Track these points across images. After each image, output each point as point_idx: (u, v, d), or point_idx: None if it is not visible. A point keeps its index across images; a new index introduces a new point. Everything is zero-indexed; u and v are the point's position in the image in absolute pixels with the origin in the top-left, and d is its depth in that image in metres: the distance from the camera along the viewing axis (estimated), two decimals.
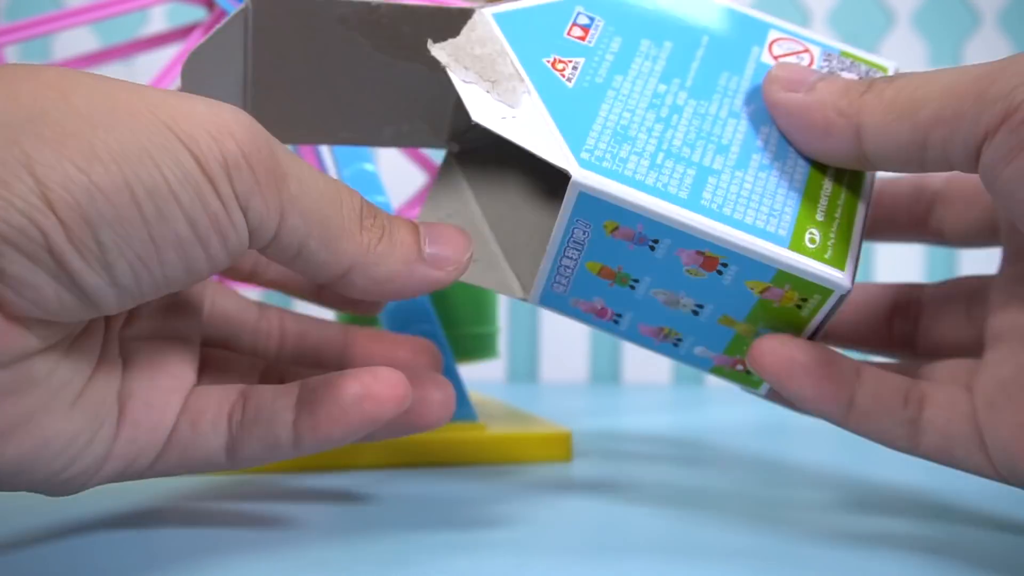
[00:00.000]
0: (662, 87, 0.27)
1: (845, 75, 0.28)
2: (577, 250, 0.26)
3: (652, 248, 0.26)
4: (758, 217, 0.25)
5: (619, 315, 0.28)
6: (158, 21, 0.71)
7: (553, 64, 0.27)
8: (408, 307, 0.39)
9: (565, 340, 0.79)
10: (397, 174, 0.64)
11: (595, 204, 0.25)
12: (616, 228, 0.25)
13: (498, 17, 0.28)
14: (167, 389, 0.26)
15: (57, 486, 0.23)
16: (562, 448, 0.39)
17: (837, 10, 0.77)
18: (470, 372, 0.44)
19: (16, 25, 0.38)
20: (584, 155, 0.25)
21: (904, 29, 0.77)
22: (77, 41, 0.71)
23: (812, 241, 0.25)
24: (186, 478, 0.34)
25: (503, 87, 0.26)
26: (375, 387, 0.25)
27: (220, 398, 0.26)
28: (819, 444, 0.45)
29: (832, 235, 0.26)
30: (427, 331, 0.39)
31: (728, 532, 0.29)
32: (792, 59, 0.29)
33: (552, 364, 0.79)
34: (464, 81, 0.27)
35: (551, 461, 0.39)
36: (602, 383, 0.79)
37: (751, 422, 0.53)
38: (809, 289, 0.25)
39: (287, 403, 0.25)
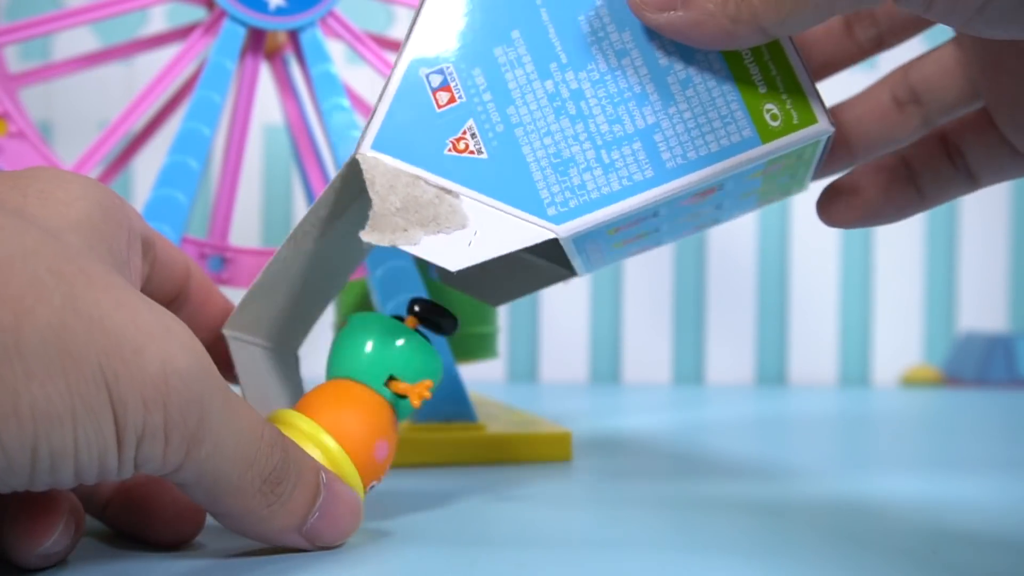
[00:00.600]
0: (549, 84, 0.26)
1: None
2: (595, 244, 0.27)
3: (655, 215, 0.27)
4: (718, 136, 0.25)
5: (654, 230, 0.29)
6: (158, 21, 0.71)
7: (455, 148, 0.26)
8: None
9: (565, 340, 0.79)
10: None
11: (588, 234, 0.26)
12: (616, 229, 0.26)
13: (377, 146, 0.26)
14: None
15: None
16: (562, 448, 0.39)
17: None
18: (470, 372, 0.44)
19: (16, 25, 0.38)
20: (551, 211, 0.25)
21: None
22: (77, 41, 0.71)
23: (774, 118, 0.25)
24: None
25: (442, 216, 0.25)
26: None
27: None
28: (819, 443, 0.45)
29: (784, 97, 0.26)
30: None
31: (728, 531, 0.29)
32: None
33: (552, 364, 0.79)
34: (414, 245, 0.25)
35: (551, 461, 0.39)
36: (602, 383, 0.79)
37: (750, 422, 0.53)
38: (799, 152, 0.26)
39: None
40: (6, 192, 0.22)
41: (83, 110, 0.70)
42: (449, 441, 0.38)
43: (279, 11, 0.39)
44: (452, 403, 0.39)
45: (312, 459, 0.25)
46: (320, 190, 0.49)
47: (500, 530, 0.29)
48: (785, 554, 0.26)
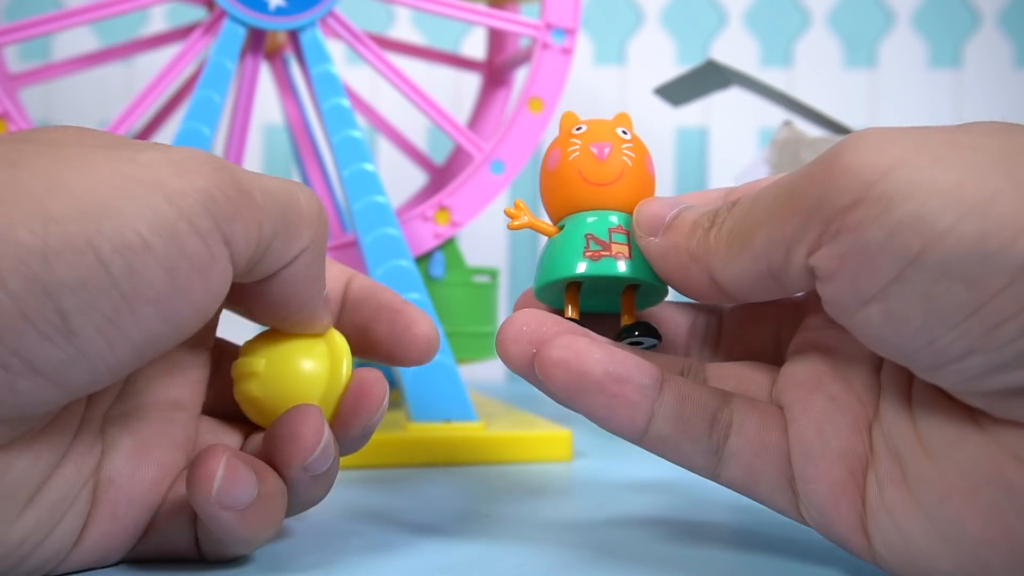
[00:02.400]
0: None
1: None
2: None
3: None
4: None
5: None
6: (158, 21, 0.71)
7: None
8: None
9: None
10: (397, 174, 0.64)
11: None
12: None
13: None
14: (152, 481, 0.24)
15: None
16: (562, 448, 0.39)
17: (837, 10, 0.77)
18: (470, 372, 0.44)
19: (16, 25, 0.38)
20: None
21: (904, 29, 0.77)
22: (77, 41, 0.71)
23: None
24: None
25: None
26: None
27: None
28: None
29: None
30: None
31: (728, 531, 0.29)
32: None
33: None
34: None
35: (551, 461, 0.39)
36: None
37: None
38: None
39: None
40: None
41: (83, 110, 0.70)
42: (449, 441, 0.38)
43: (279, 11, 0.39)
44: (452, 403, 0.39)
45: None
46: (320, 190, 0.49)
47: (500, 530, 0.29)
48: (785, 553, 0.26)
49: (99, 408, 0.23)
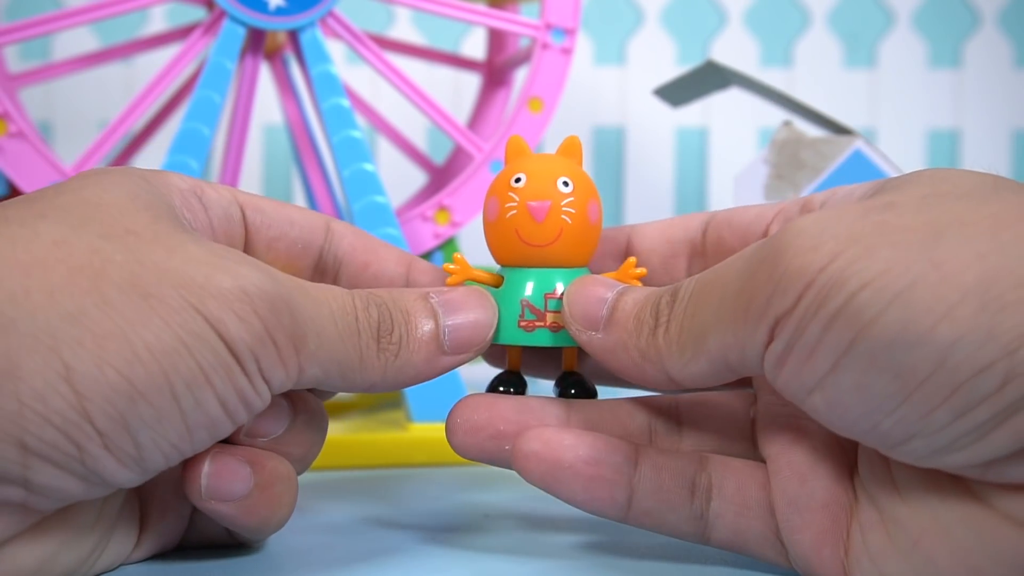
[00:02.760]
0: None
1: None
2: None
3: None
4: None
5: None
6: (158, 21, 0.71)
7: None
8: None
9: None
10: (397, 174, 0.64)
11: None
12: None
13: None
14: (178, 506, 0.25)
15: None
16: None
17: (837, 10, 0.77)
18: (470, 372, 0.44)
19: (16, 25, 0.38)
20: None
21: (904, 29, 0.77)
22: (77, 41, 0.71)
23: None
24: None
25: None
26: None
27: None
28: None
29: None
30: None
31: None
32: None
33: None
34: None
35: None
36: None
37: None
38: None
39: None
40: (51, 193, 0.23)
41: (83, 110, 0.70)
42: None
43: (279, 11, 0.39)
44: (451, 403, 0.39)
45: (413, 290, 0.26)
46: (320, 190, 0.49)
47: (500, 530, 0.29)
48: None
49: None
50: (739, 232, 0.28)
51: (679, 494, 0.25)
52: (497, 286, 0.27)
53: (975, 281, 0.19)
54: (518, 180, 0.26)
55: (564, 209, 0.25)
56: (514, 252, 0.26)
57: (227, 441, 0.24)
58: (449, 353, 0.25)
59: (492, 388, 0.27)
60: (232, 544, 0.26)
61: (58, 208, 0.22)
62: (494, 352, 0.28)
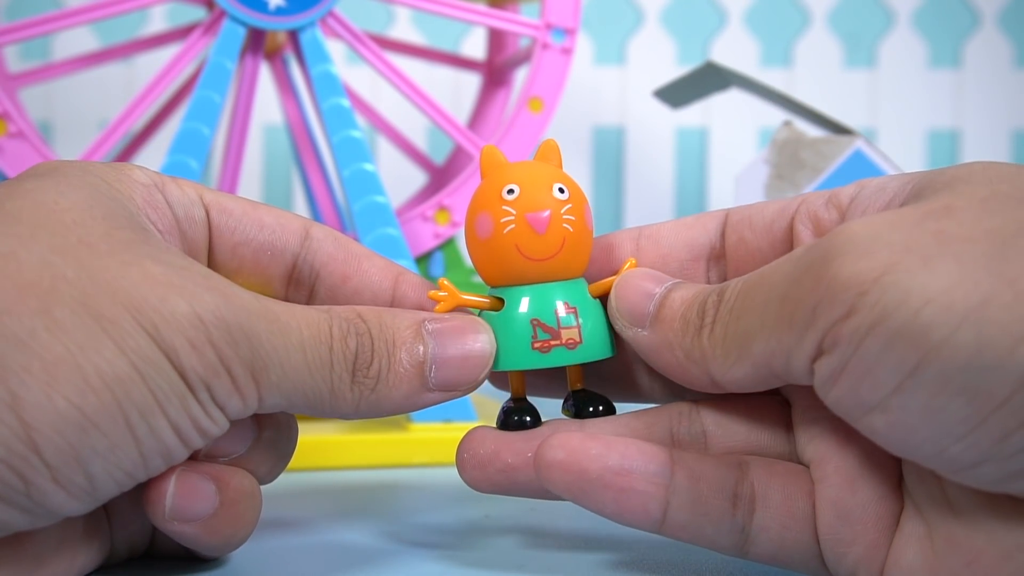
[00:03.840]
0: None
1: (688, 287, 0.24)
2: None
3: None
4: None
5: None
6: (158, 21, 0.71)
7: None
8: None
9: None
10: (397, 174, 0.64)
11: None
12: None
13: None
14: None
15: None
16: None
17: (837, 10, 0.77)
18: None
19: (16, 25, 0.38)
20: None
21: (904, 29, 0.77)
22: (77, 41, 0.71)
23: None
24: None
25: None
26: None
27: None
28: None
29: None
30: None
31: None
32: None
33: None
34: None
35: None
36: None
37: None
38: None
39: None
40: (3, 195, 0.22)
41: (83, 110, 0.70)
42: (449, 441, 0.38)
43: (279, 11, 0.39)
44: (452, 403, 0.39)
45: (409, 315, 0.24)
46: (320, 190, 0.49)
47: (501, 530, 0.29)
48: None
49: None
50: (761, 231, 0.26)
51: (719, 505, 0.23)
52: (494, 310, 0.25)
53: None
54: (511, 192, 0.24)
55: (565, 218, 0.24)
56: (513, 269, 0.24)
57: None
58: (434, 390, 0.24)
59: (505, 423, 0.25)
60: (194, 558, 0.25)
61: (8, 215, 0.21)
62: (498, 377, 0.27)
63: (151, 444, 0.20)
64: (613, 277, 0.25)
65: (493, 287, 0.25)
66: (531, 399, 0.26)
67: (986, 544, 0.20)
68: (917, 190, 0.22)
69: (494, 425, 0.26)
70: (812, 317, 0.19)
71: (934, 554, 0.21)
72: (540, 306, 0.24)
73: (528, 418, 0.25)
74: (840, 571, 0.22)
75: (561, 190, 0.24)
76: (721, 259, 0.27)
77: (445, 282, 0.25)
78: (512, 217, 0.24)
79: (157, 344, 0.20)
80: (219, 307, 0.21)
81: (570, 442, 0.23)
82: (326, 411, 0.23)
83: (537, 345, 0.24)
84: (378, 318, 0.24)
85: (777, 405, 0.25)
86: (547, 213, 0.24)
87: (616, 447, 0.23)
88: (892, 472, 0.22)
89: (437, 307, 0.25)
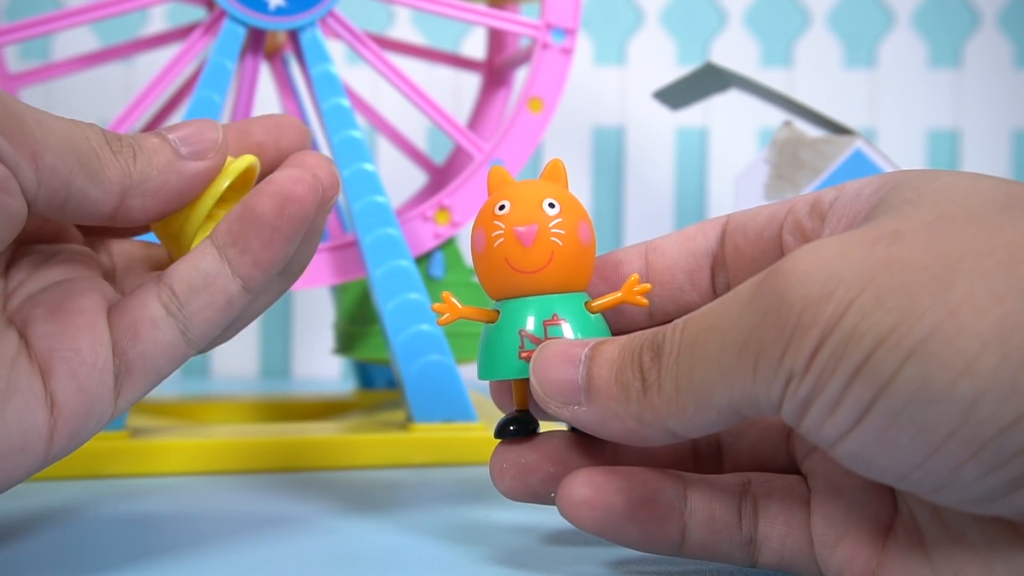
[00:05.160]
0: None
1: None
2: None
3: None
4: None
5: None
6: (158, 21, 0.71)
7: None
8: (409, 307, 0.39)
9: None
10: (397, 174, 0.64)
11: None
12: None
13: None
14: (87, 326, 0.24)
15: (4, 479, 0.23)
16: None
17: (837, 10, 0.77)
18: (470, 372, 0.44)
19: (16, 25, 0.38)
20: None
21: (904, 29, 0.77)
22: (77, 41, 0.71)
23: None
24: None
25: None
26: (293, 189, 0.24)
27: (144, 298, 0.25)
28: None
29: None
30: (428, 331, 0.39)
31: None
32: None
33: None
34: None
35: None
36: None
37: None
38: None
39: (213, 257, 0.25)
40: None
41: (83, 110, 0.70)
42: (449, 441, 0.38)
43: (279, 11, 0.39)
44: (452, 403, 0.39)
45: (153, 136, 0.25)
46: None
47: (501, 529, 0.29)
48: None
49: None
50: (752, 239, 0.26)
51: (730, 522, 0.24)
52: (491, 322, 0.26)
53: (993, 329, 0.18)
54: (502, 208, 0.25)
55: (553, 231, 0.24)
56: (507, 282, 0.25)
57: None
58: (188, 158, 0.25)
59: (500, 430, 0.26)
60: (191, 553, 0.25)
61: None
62: (501, 390, 0.27)
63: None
64: (615, 293, 0.25)
65: (496, 300, 0.26)
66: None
67: (970, 555, 0.20)
68: (877, 206, 0.22)
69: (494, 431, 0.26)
70: (778, 365, 0.20)
71: (928, 563, 0.21)
72: (528, 317, 0.25)
73: (518, 427, 0.26)
74: (828, 572, 0.23)
75: (551, 205, 0.25)
76: (723, 267, 0.27)
77: (447, 294, 0.26)
78: (501, 231, 0.25)
79: None
80: None
81: (594, 478, 0.24)
82: (104, 182, 0.24)
83: (524, 355, 0.25)
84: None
85: (780, 423, 0.26)
86: (533, 227, 0.24)
87: (636, 477, 0.24)
88: (883, 485, 0.23)
89: (440, 319, 0.25)
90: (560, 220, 0.25)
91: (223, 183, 0.26)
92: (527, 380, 0.25)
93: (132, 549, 0.27)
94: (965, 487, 0.19)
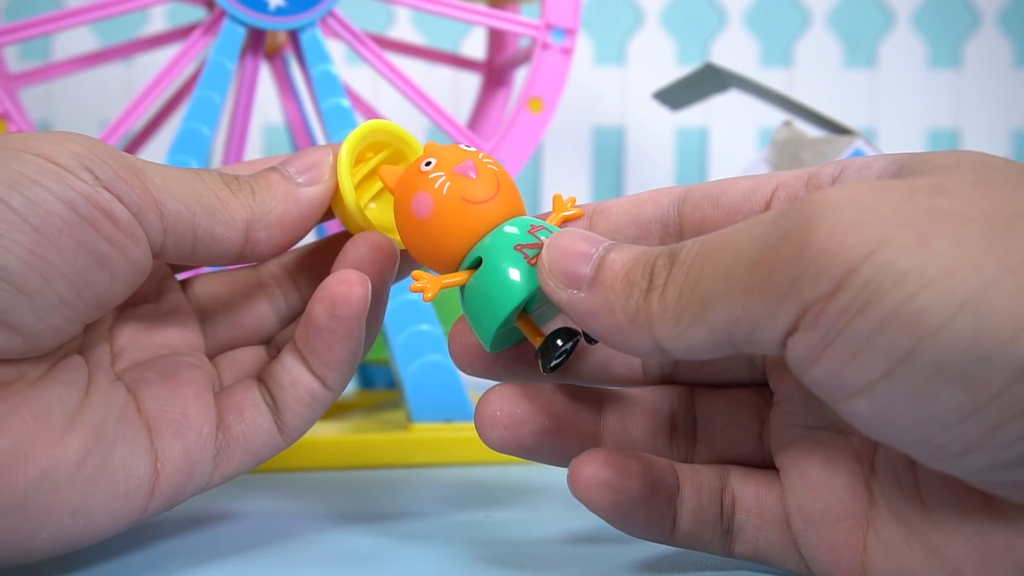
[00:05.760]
0: None
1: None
2: None
3: None
4: None
5: None
6: (158, 21, 0.71)
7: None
8: (409, 307, 0.39)
9: None
10: None
11: None
12: None
13: None
14: (195, 395, 0.26)
15: (107, 516, 0.23)
16: None
17: (837, 10, 0.77)
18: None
19: (16, 25, 0.38)
20: None
21: (904, 29, 0.77)
22: (77, 41, 0.71)
23: None
24: None
25: None
26: (338, 291, 0.25)
27: (248, 383, 0.27)
28: None
29: None
30: (428, 331, 0.39)
31: None
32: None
33: None
34: None
35: None
36: None
37: None
38: None
39: (296, 358, 0.26)
40: None
41: (83, 110, 0.70)
42: (449, 441, 0.38)
43: (279, 11, 0.39)
44: (452, 403, 0.39)
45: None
46: None
47: (500, 530, 0.29)
48: None
49: (101, 364, 0.26)
50: (728, 209, 0.25)
51: (713, 512, 0.24)
52: (471, 276, 0.24)
53: None
54: (428, 163, 0.25)
55: (484, 161, 0.25)
56: (468, 223, 0.24)
57: None
58: (304, 184, 0.26)
59: (548, 349, 0.24)
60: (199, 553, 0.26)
61: None
62: (502, 343, 0.26)
63: (35, 212, 0.21)
64: (551, 213, 0.26)
65: (458, 264, 0.25)
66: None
67: (966, 552, 0.20)
68: (900, 168, 0.21)
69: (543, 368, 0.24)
70: (791, 289, 0.18)
71: (914, 561, 0.21)
72: (514, 235, 0.24)
73: (562, 340, 0.24)
74: (815, 567, 0.23)
75: (465, 148, 0.25)
76: (677, 237, 0.25)
77: (418, 272, 0.25)
78: (442, 176, 0.24)
79: (11, 147, 0.22)
80: (85, 138, 0.23)
81: (613, 460, 0.24)
82: (227, 219, 0.25)
83: (533, 261, 0.23)
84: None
85: (756, 415, 0.26)
86: (469, 160, 0.25)
87: (647, 462, 0.24)
88: (857, 477, 0.23)
89: (425, 298, 0.24)
90: (481, 154, 0.25)
91: (346, 171, 0.27)
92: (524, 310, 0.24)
93: (131, 549, 0.27)
94: (1001, 449, 0.18)
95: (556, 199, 0.26)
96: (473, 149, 0.25)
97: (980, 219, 0.18)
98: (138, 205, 0.23)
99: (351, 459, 0.38)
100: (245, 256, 0.26)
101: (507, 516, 0.30)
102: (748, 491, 0.24)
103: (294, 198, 0.26)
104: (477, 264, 0.24)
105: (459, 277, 0.24)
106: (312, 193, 0.26)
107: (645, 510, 0.24)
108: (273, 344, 0.30)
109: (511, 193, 0.25)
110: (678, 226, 0.25)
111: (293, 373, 0.26)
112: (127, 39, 0.47)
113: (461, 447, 0.38)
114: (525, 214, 0.25)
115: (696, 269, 0.20)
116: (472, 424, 0.39)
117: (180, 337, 0.28)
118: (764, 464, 0.25)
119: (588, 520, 0.30)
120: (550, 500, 0.33)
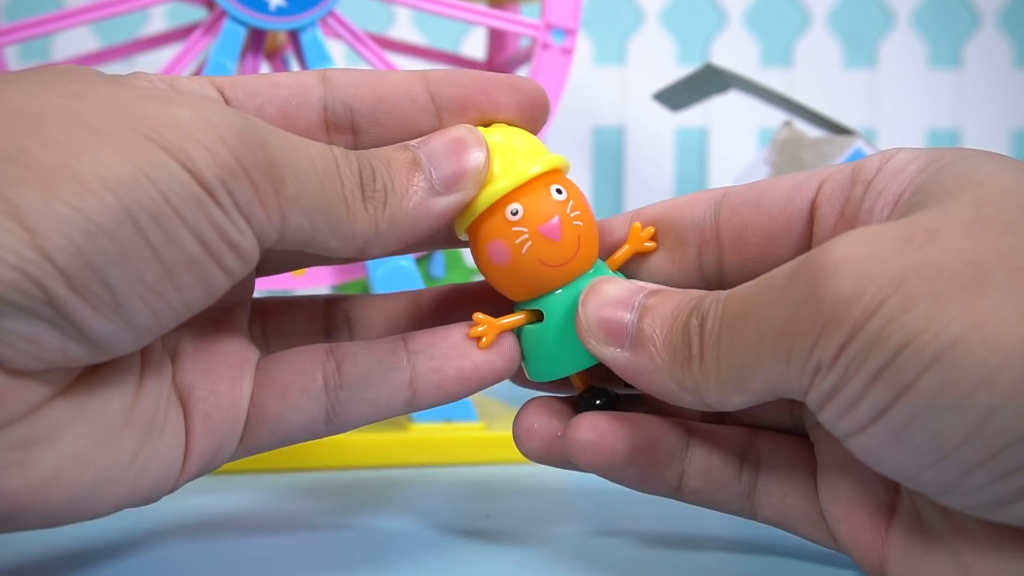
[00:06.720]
0: None
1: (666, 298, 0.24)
2: None
3: None
4: None
5: None
6: (158, 21, 0.71)
7: None
8: None
9: None
10: None
11: None
12: None
13: None
14: (228, 369, 0.24)
15: (139, 500, 0.22)
16: None
17: (837, 10, 0.77)
18: None
19: (16, 25, 0.38)
20: None
21: (904, 29, 0.77)
22: (77, 41, 0.71)
23: None
24: None
25: None
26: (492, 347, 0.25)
27: (307, 363, 0.24)
28: None
29: None
30: None
31: (730, 535, 0.29)
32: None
33: None
34: None
35: None
36: None
37: None
38: None
39: (396, 361, 0.24)
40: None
41: None
42: (449, 441, 0.38)
43: (279, 11, 0.39)
44: (453, 403, 0.39)
45: (390, 146, 0.24)
46: None
47: (500, 530, 0.29)
48: (778, 546, 0.26)
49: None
50: (773, 212, 0.25)
51: (728, 473, 0.25)
52: (531, 323, 0.25)
53: (1017, 344, 0.18)
54: (515, 213, 0.24)
55: (572, 217, 0.24)
56: (542, 282, 0.25)
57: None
58: (442, 192, 0.23)
59: (586, 406, 0.26)
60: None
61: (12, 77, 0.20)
62: (561, 381, 0.26)
63: (171, 254, 0.19)
64: (624, 247, 0.26)
65: (519, 302, 0.25)
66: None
67: (977, 562, 0.21)
68: (916, 193, 0.22)
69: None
70: (809, 355, 0.20)
71: (929, 553, 0.22)
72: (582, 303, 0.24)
73: (601, 402, 0.26)
74: (838, 539, 0.24)
75: (559, 191, 0.24)
76: (715, 244, 0.26)
77: (480, 316, 0.25)
78: (526, 234, 0.24)
79: (163, 148, 0.19)
80: (228, 113, 0.20)
81: (599, 423, 0.24)
82: (348, 235, 0.22)
83: None
84: (366, 150, 0.24)
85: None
86: (556, 219, 0.24)
87: (641, 424, 0.25)
88: None
89: (481, 344, 0.25)
90: (572, 203, 0.24)
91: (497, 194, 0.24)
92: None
93: (131, 549, 0.27)
94: (971, 492, 0.19)
95: (634, 230, 0.26)
96: (564, 197, 0.24)
97: (963, 272, 0.19)
98: (263, 226, 0.21)
99: (351, 459, 0.38)
100: (347, 261, 0.25)
101: (507, 516, 0.30)
102: (777, 458, 0.25)
103: (426, 211, 0.23)
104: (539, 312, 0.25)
105: (518, 320, 0.25)
106: (446, 204, 0.24)
107: (636, 468, 0.25)
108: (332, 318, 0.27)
109: (590, 248, 0.25)
110: (715, 232, 0.26)
111: (388, 374, 0.24)
112: (127, 39, 0.47)
113: (461, 447, 0.38)
114: (596, 257, 0.25)
115: (728, 337, 0.22)
116: (472, 424, 0.39)
117: (234, 294, 0.26)
118: (797, 432, 0.26)
119: (588, 520, 0.30)
120: (550, 501, 0.33)
